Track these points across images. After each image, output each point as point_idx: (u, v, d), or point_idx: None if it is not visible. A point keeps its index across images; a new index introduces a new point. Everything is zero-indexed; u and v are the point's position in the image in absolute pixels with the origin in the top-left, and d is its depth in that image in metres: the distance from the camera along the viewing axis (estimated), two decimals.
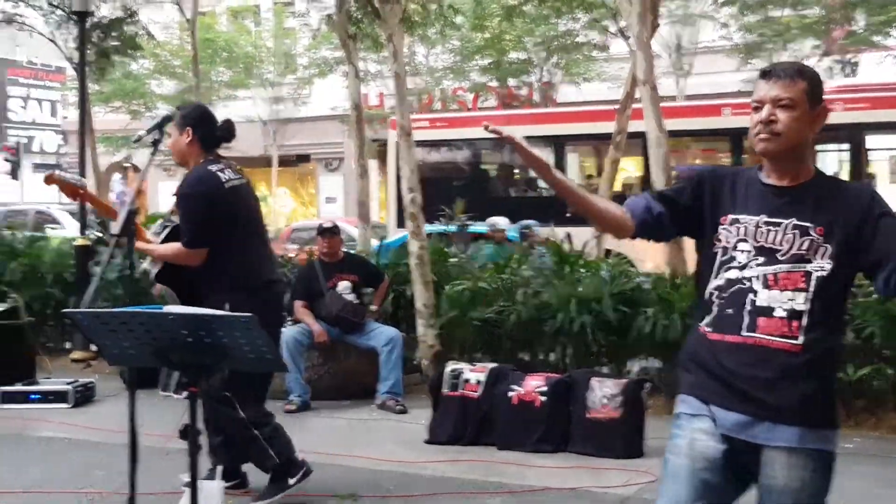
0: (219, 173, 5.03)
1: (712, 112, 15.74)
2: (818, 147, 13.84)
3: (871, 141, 14.38)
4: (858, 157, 14.37)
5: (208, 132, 5.17)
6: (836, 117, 13.31)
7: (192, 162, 5.17)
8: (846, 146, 14.49)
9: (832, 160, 14.87)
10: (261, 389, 5.16)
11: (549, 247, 8.75)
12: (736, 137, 14.91)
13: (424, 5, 12.01)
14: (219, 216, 4.94)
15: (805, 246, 2.58)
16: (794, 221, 2.60)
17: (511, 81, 24.97)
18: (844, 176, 13.57)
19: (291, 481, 5.11)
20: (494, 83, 25.13)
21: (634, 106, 10.78)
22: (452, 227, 10.80)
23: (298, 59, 26.62)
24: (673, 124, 9.85)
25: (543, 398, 6.34)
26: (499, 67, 24.24)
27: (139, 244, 5.14)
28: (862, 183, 12.38)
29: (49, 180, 5.30)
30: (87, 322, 3.59)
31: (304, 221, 21.47)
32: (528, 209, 13.61)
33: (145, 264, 5.89)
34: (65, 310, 5.13)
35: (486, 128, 2.72)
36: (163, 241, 5.12)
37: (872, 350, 6.97)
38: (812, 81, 2.65)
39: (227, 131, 5.25)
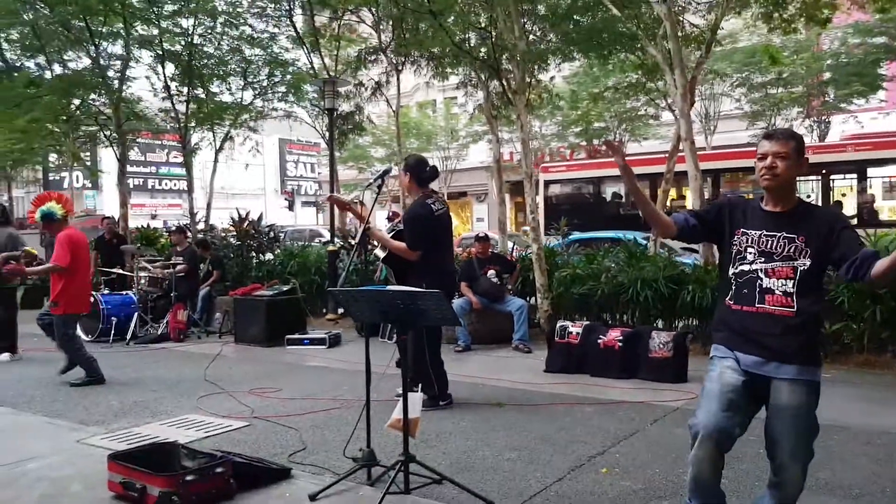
0: (431, 204, 5.10)
1: (731, 157, 15.26)
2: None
3: (871, 171, 13.79)
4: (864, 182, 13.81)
5: (421, 174, 5.19)
6: (848, 156, 12.78)
7: (413, 195, 5.27)
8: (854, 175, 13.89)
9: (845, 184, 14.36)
10: (436, 344, 5.17)
11: (622, 247, 8.54)
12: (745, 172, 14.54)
13: (539, 95, 11.90)
14: (430, 232, 5.02)
15: (792, 250, 2.60)
16: (784, 234, 2.62)
17: (595, 141, 24.56)
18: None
19: (442, 404, 5.20)
20: (584, 142, 24.73)
21: (679, 154, 10.43)
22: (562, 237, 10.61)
23: (460, 132, 26.83)
24: (704, 165, 9.61)
25: (620, 344, 6.22)
26: (586, 132, 23.83)
27: (380, 234, 5.30)
28: (830, 207, 12.25)
29: (329, 199, 5.48)
30: (342, 296, 3.77)
31: (466, 234, 21.59)
32: (629, 222, 13.33)
33: (377, 251, 6.04)
34: (329, 288, 5.27)
35: (603, 143, 2.78)
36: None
37: (843, 312, 6.57)
38: (799, 142, 2.66)
39: (434, 173, 5.26)
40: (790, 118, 20.59)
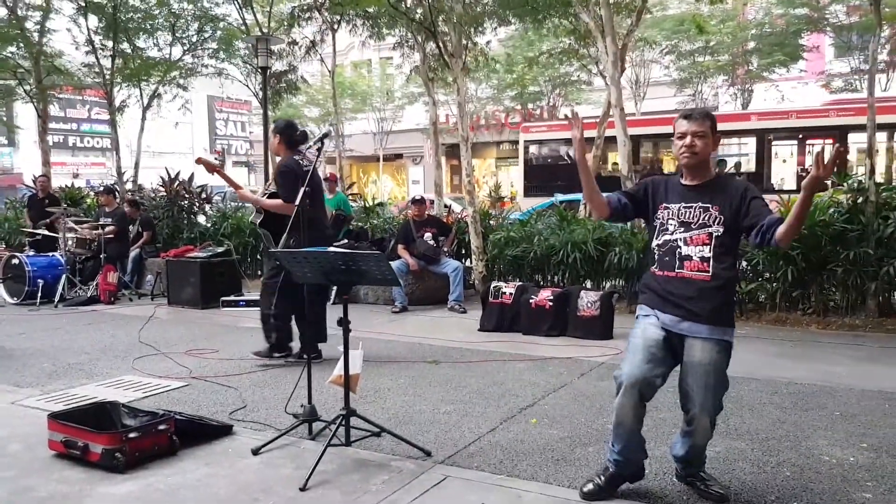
0: (300, 160, 5.23)
1: (657, 123, 15.63)
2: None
3: (852, 137, 13.63)
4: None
5: (291, 137, 5.30)
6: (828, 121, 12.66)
7: (283, 156, 5.34)
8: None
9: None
10: (300, 301, 5.16)
11: (554, 210, 8.78)
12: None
13: (476, 58, 11.93)
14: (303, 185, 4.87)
15: (707, 218, 2.82)
16: (699, 204, 2.84)
17: (529, 105, 24.82)
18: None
19: (276, 356, 5.43)
20: (518, 106, 24.95)
21: (609, 119, 10.70)
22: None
23: (396, 94, 26.58)
24: (632, 131, 9.83)
25: (551, 303, 6.45)
26: (521, 96, 24.05)
27: (251, 195, 5.45)
28: (740, 178, 12.48)
29: (198, 161, 5.45)
30: (284, 257, 3.82)
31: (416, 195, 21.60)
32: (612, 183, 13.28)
33: (253, 217, 6.05)
34: (272, 249, 5.19)
35: (568, 116, 2.93)
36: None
37: (758, 273, 6.99)
38: (713, 120, 2.88)
39: (304, 137, 5.39)
40: (716, 86, 21.29)
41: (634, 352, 2.82)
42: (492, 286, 6.92)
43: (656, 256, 2.92)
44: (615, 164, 14.98)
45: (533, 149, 17.86)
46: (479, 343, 6.14)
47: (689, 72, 20.45)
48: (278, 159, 5.46)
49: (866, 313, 6.58)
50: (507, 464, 3.34)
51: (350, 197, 12.17)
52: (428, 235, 8.06)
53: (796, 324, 6.65)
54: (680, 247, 2.84)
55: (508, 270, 8.33)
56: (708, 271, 2.79)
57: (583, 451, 3.50)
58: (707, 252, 2.79)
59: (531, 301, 6.53)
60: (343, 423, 3.47)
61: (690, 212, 2.84)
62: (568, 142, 17.25)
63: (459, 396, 4.49)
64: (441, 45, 9.20)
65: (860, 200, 6.59)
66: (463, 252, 8.83)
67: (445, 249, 8.23)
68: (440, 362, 5.43)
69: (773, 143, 14.66)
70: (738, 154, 15.29)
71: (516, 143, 27.00)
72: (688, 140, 2.81)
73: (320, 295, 5.47)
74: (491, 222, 9.09)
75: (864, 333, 6.27)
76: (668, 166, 15.51)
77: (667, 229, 2.88)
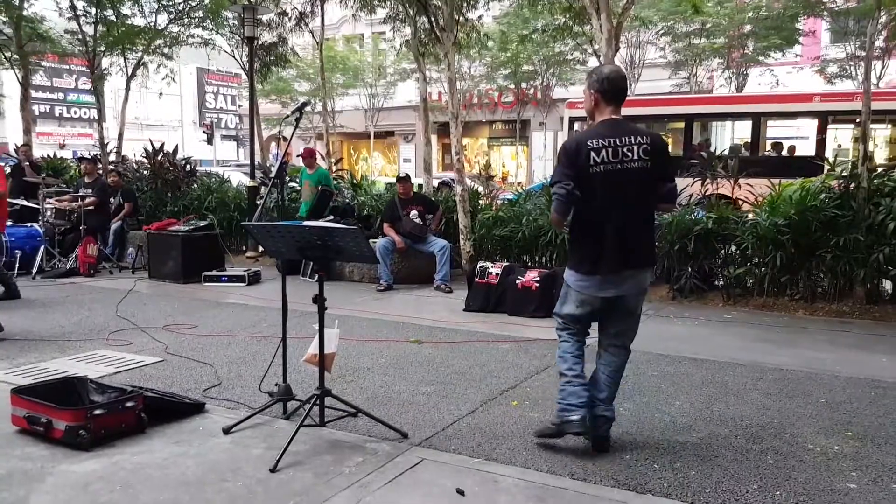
0: None
1: (652, 104, 15.45)
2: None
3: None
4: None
5: None
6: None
7: None
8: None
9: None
10: None
11: (544, 190, 8.66)
12: (664, 119, 14.64)
13: (468, 34, 11.73)
14: None
15: None
16: None
17: (523, 84, 24.57)
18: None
19: None
20: (512, 86, 24.70)
21: None
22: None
23: (388, 69, 26.25)
24: (626, 111, 9.67)
25: (537, 284, 6.37)
26: (515, 75, 23.78)
27: None
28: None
29: None
30: (257, 231, 3.69)
31: (401, 173, 21.34)
32: None
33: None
34: (243, 223, 5.11)
35: None
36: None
37: (746, 257, 6.92)
38: None
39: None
40: (711, 69, 21.12)
41: None
42: (478, 266, 6.83)
43: None
44: None
45: (577, 126, 17.67)
46: (464, 323, 6.06)
47: (684, 54, 20.28)
48: None
49: (854, 300, 6.53)
50: (485, 447, 3.27)
51: (336, 173, 11.99)
52: (414, 213, 7.94)
53: (784, 309, 6.59)
54: None
55: (496, 251, 8.24)
56: None
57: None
58: None
59: (517, 282, 6.45)
60: (317, 402, 3.38)
61: None
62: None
63: (440, 377, 4.41)
64: (433, 18, 9.02)
65: (852, 186, 6.52)
66: (451, 231, 8.70)
67: (433, 228, 8.13)
68: (422, 342, 5.34)
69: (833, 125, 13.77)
70: (797, 137, 14.66)
71: (510, 122, 26.85)
72: None
73: None
74: (480, 201, 8.97)
75: (851, 320, 6.22)
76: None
77: None
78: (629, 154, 3.01)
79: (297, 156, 11.68)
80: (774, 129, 14.65)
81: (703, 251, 6.97)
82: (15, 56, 13.08)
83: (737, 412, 3.81)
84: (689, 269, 6.96)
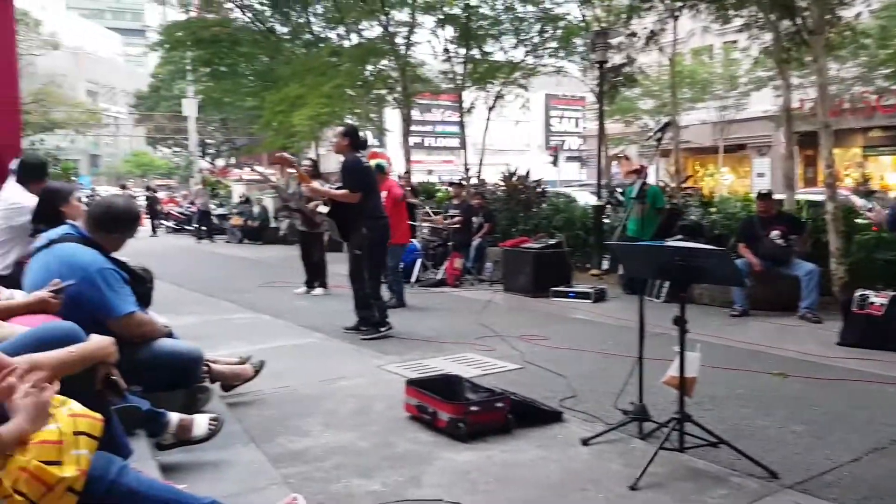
0: (361, 158, 6.12)
1: None
2: None
3: None
4: None
5: (358, 140, 6.07)
6: None
7: (346, 154, 5.96)
8: None
9: None
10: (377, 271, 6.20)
11: None
12: None
13: (842, 33, 10.43)
14: (366, 178, 5.98)
15: None
16: None
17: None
18: None
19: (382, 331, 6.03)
20: (894, 87, 21.19)
21: None
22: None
23: (741, 80, 24.62)
24: None
25: None
26: None
27: (323, 188, 6.31)
28: None
29: (276, 159, 7.00)
30: (619, 250, 3.77)
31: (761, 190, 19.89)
32: None
33: (321, 207, 6.86)
34: (606, 242, 5.27)
35: None
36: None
37: None
38: None
39: (365, 143, 6.29)
40: None
41: None
42: (856, 294, 5.99)
43: None
44: None
45: None
46: (838, 359, 5.38)
47: None
48: (341, 157, 6.08)
49: None
50: (873, 502, 2.85)
51: (685, 191, 11.58)
52: (776, 233, 7.29)
53: None
54: None
55: (878, 277, 7.12)
56: None
57: None
58: None
59: None
60: (676, 427, 3.30)
61: None
62: None
63: (812, 417, 3.97)
64: (799, 21, 8.22)
65: None
66: (819, 254, 7.80)
67: (797, 249, 7.35)
68: (787, 375, 4.87)
69: None
70: None
71: (890, 128, 23.18)
72: None
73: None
74: (857, 220, 7.89)
75: None
76: None
77: None
78: None
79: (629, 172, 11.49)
80: None
81: None
82: (400, 97, 15.30)
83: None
84: None
